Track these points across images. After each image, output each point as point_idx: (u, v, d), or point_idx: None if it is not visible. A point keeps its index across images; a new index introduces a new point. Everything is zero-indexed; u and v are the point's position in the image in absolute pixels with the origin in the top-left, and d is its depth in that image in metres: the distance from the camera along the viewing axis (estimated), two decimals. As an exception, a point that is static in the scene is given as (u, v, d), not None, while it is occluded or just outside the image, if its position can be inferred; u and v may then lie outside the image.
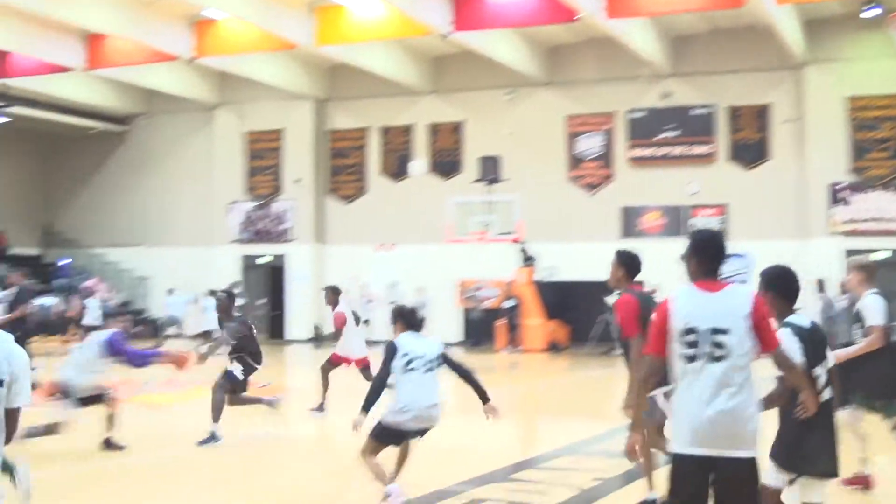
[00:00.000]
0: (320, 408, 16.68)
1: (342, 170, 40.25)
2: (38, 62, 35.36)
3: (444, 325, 34.65)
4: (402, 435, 9.40)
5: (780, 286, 6.83)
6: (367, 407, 9.05)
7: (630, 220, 35.01)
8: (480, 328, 35.98)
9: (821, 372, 6.72)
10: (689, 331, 5.78)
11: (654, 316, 6.04)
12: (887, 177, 32.78)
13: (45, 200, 45.57)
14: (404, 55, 36.79)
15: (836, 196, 33.14)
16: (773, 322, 6.12)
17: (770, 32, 31.32)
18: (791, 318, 6.75)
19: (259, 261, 40.93)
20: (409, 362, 9.14)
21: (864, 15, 31.02)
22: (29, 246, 44.58)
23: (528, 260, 33.67)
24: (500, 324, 33.87)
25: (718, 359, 5.72)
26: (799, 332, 6.66)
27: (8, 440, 5.10)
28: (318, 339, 37.69)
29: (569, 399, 21.95)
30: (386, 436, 9.33)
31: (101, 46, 34.57)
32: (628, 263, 10.09)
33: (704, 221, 34.22)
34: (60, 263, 43.43)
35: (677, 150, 35.26)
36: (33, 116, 40.64)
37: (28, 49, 33.90)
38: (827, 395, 6.74)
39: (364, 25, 32.11)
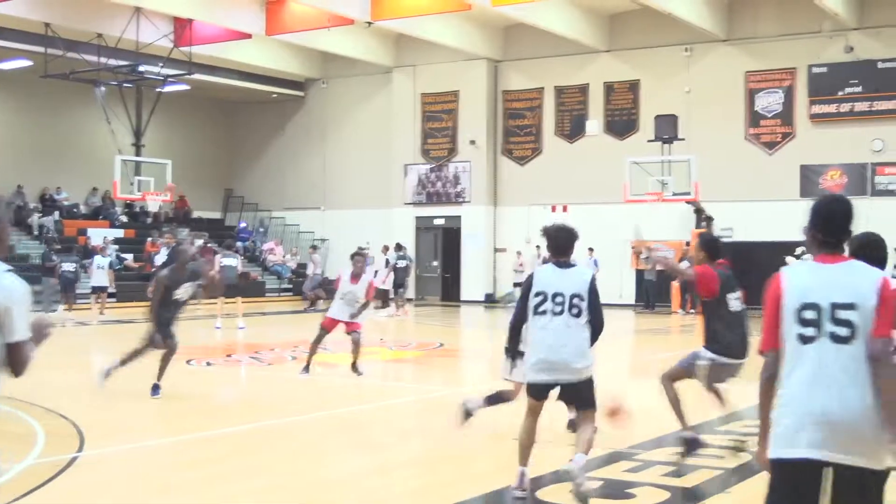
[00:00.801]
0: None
1: (516, 130, 40.17)
2: (220, 29, 36.20)
3: (618, 287, 34.37)
4: None
5: (865, 254, 6.22)
6: None
7: (810, 179, 34.07)
8: (655, 290, 35.57)
9: None
10: (807, 306, 4.90)
11: (763, 299, 5.11)
12: None
13: (226, 165, 46.73)
14: (579, 13, 36.44)
15: None
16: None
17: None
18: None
19: (434, 222, 41.18)
20: None
21: None
22: (211, 210, 45.76)
23: (705, 220, 33.12)
24: (676, 286, 33.43)
25: (843, 340, 4.81)
26: None
27: (16, 374, 4.91)
28: (491, 301, 37.84)
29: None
30: None
31: (281, 12, 35.21)
32: (708, 247, 10.21)
33: (890, 180, 33.18)
34: (240, 226, 44.46)
35: (861, 107, 34.13)
36: (214, 83, 41.58)
37: (209, 17, 34.73)
38: None
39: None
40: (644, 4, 33.24)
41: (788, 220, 33.32)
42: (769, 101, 35.58)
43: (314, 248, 38.86)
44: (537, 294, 8.40)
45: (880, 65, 33.88)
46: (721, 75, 36.05)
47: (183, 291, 14.20)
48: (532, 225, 38.00)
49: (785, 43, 35.16)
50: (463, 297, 40.03)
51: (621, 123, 37.96)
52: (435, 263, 40.87)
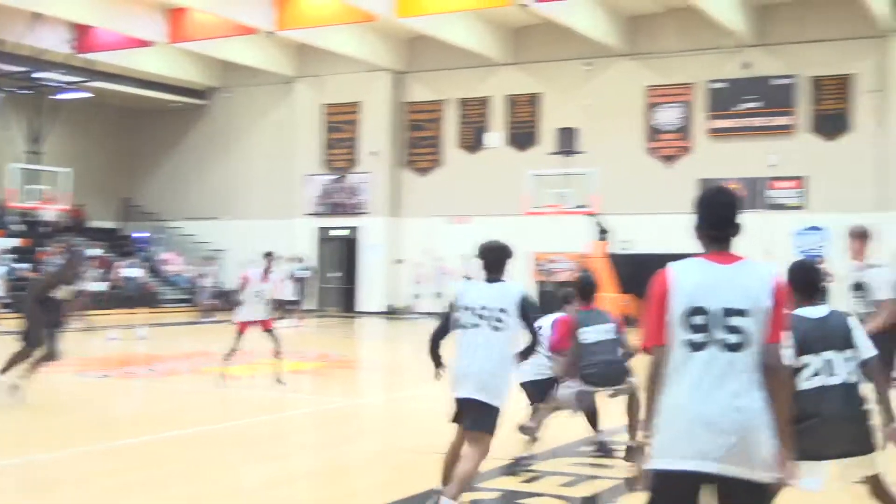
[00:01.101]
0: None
1: (419, 142, 40.22)
2: (121, 36, 35.78)
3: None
4: None
5: (798, 279, 6.73)
6: None
7: (708, 193, 34.52)
8: (554, 301, 35.71)
9: (832, 358, 6.44)
10: (696, 311, 4.68)
11: (648, 295, 4.92)
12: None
13: (127, 174, 46.08)
14: (482, 26, 36.61)
15: (920, 168, 32.52)
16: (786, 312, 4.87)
17: (854, 1, 30.73)
18: (798, 310, 6.57)
19: (335, 233, 41.04)
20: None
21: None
22: (107, 219, 45.11)
23: (603, 233, 33.40)
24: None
25: (734, 348, 4.64)
26: (797, 322, 6.37)
27: None
28: (391, 312, 37.83)
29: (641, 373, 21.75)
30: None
31: (183, 20, 34.92)
32: (582, 288, 11.10)
33: (782, 194, 33.81)
34: (137, 236, 43.95)
35: (757, 122, 34.73)
36: (115, 91, 41.00)
37: (111, 23, 34.30)
38: (850, 380, 6.47)
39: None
40: (546, 18, 33.49)
41: (686, 233, 33.85)
42: (668, 116, 36.06)
43: (210, 258, 38.53)
44: (463, 308, 8.22)
45: (776, 81, 34.51)
46: (622, 89, 36.44)
47: (63, 291, 13.99)
48: (433, 237, 38.12)
49: (684, 59, 35.66)
50: (363, 308, 39.93)
51: (523, 136, 38.17)
52: (336, 274, 40.70)
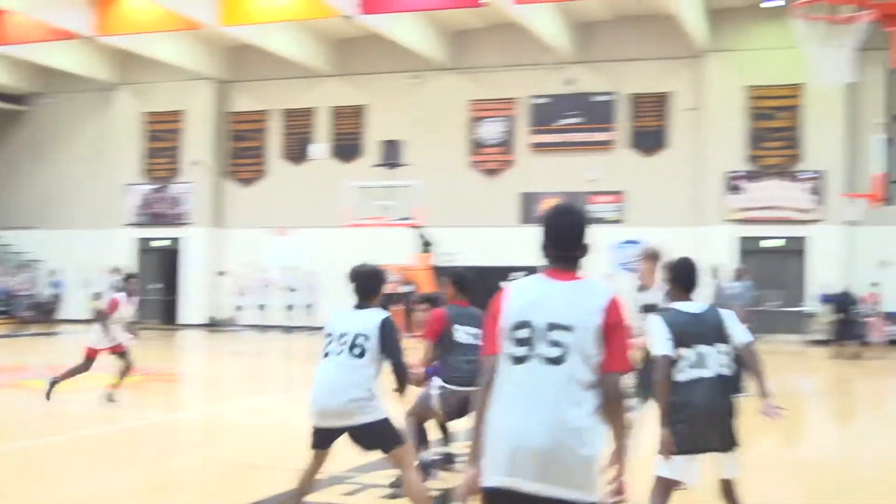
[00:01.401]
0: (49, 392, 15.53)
1: (242, 152, 39.83)
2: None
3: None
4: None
5: (677, 275, 7.19)
6: None
7: (528, 207, 34.97)
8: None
9: (705, 351, 6.77)
10: (521, 325, 4.61)
11: (488, 310, 4.85)
12: (781, 166, 33.27)
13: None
14: (308, 37, 36.49)
15: (732, 184, 33.57)
16: (628, 340, 4.73)
17: (673, 21, 31.58)
18: (675, 304, 6.97)
19: (155, 244, 40.33)
20: None
21: (764, 5, 31.38)
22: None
23: (427, 245, 33.61)
24: (397, 309, 33.72)
25: (554, 361, 4.52)
26: (675, 316, 6.79)
27: None
28: (213, 324, 37.39)
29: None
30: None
31: (1, 24, 33.89)
32: (458, 282, 10.29)
33: (602, 208, 34.52)
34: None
35: (577, 137, 35.42)
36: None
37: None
38: (722, 372, 6.80)
39: (269, 6, 31.87)
40: (372, 31, 33.55)
41: (509, 245, 34.54)
42: (491, 130, 36.48)
43: (25, 267, 37.51)
44: (326, 336, 7.84)
45: (597, 98, 35.26)
46: (446, 103, 36.73)
47: None
48: (256, 248, 37.79)
49: (508, 74, 36.14)
50: (184, 320, 39.33)
51: (347, 148, 38.15)
52: (156, 286, 39.96)
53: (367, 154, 36.93)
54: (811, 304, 32.50)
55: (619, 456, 4.65)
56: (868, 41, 13.70)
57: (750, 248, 33.14)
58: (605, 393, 4.55)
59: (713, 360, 6.77)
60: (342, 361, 7.64)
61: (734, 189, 33.53)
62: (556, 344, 4.53)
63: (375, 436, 7.70)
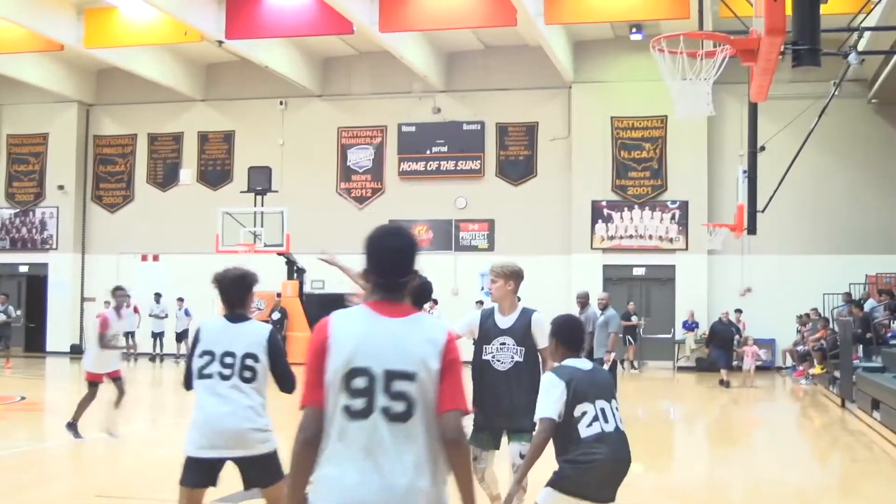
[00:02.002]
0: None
1: (108, 177, 39.25)
2: None
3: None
4: None
5: (564, 334, 6.95)
6: None
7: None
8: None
9: (604, 406, 6.62)
10: (357, 372, 4.10)
11: (308, 346, 4.29)
12: (646, 196, 33.92)
13: None
14: (175, 61, 36.15)
15: (599, 213, 34.11)
16: (462, 377, 4.29)
17: (540, 52, 31.98)
18: (568, 361, 6.80)
19: (18, 269, 39.47)
20: None
21: (632, 38, 31.97)
22: None
23: (296, 272, 33.50)
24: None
25: (398, 417, 4.08)
26: (571, 373, 6.62)
27: None
28: (80, 352, 36.67)
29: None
30: None
31: None
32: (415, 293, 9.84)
33: (471, 236, 34.79)
34: None
35: (446, 165, 35.67)
36: None
37: None
38: (621, 426, 6.69)
39: (136, 29, 31.44)
40: (240, 56, 33.41)
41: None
42: (360, 157, 36.55)
43: None
44: (203, 353, 7.01)
45: (466, 126, 35.56)
46: (315, 129, 36.71)
47: None
48: (123, 274, 37.17)
49: (377, 101, 36.26)
50: (48, 347, 38.52)
51: (215, 173, 37.88)
52: (18, 312, 39.08)
53: (236, 180, 36.68)
54: (680, 331, 33.21)
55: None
56: (728, 75, 14.01)
57: (618, 277, 33.70)
58: (444, 435, 4.13)
59: (611, 416, 6.66)
60: (233, 385, 6.88)
61: (602, 218, 34.08)
62: (399, 396, 4.08)
63: (266, 468, 6.98)
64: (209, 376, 6.93)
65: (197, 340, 7.09)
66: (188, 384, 7.11)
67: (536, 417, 6.60)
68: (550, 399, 6.55)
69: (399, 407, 4.06)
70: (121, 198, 39.07)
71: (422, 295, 9.52)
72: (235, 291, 7.30)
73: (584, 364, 6.80)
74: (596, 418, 6.55)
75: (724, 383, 26.73)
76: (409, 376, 4.08)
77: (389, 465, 4.03)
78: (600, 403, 6.62)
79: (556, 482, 6.58)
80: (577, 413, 6.52)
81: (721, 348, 27.82)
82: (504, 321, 8.64)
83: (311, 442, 4.11)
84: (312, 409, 4.15)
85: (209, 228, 33.89)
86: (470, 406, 4.30)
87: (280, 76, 34.80)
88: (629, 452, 6.73)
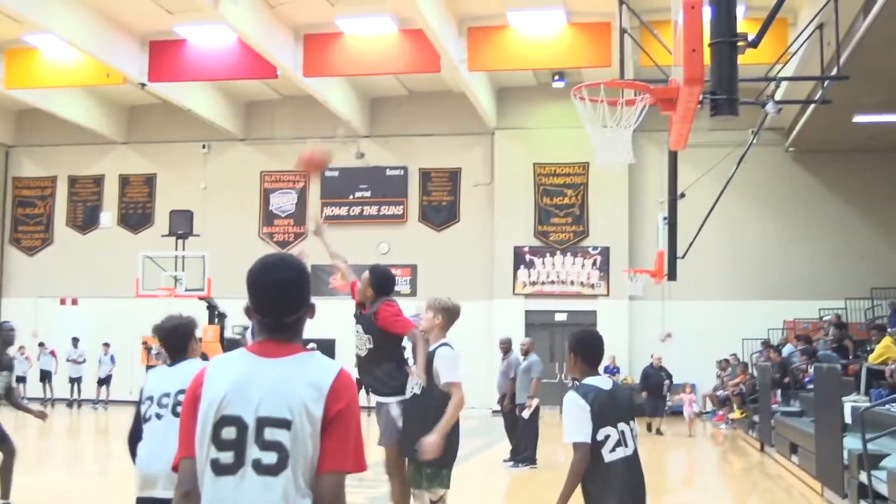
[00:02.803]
0: None
1: (27, 219, 38.77)
2: None
3: (128, 383, 33.74)
4: None
5: (585, 348, 6.71)
6: None
7: (321, 279, 34.91)
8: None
9: (624, 429, 6.45)
10: (227, 421, 3.58)
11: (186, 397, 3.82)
12: (568, 242, 34.15)
13: None
14: (96, 103, 35.89)
15: (521, 259, 34.27)
16: (357, 430, 3.70)
17: (464, 98, 32.17)
18: (589, 380, 6.59)
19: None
20: None
21: (555, 85, 32.23)
22: None
23: (218, 316, 33.22)
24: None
25: (270, 471, 3.53)
26: (595, 394, 6.41)
27: None
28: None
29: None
30: None
31: None
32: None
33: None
34: None
35: (369, 210, 35.69)
36: None
37: None
38: (636, 448, 6.54)
39: (57, 70, 31.18)
40: (163, 99, 33.25)
41: (308, 320, 34.14)
42: (283, 201, 36.45)
43: None
44: (146, 399, 7.00)
45: (389, 172, 35.63)
46: (238, 173, 36.59)
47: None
48: (40, 318, 36.68)
49: (300, 145, 35.83)
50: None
51: (136, 217, 37.56)
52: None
53: (157, 223, 36.41)
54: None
55: None
56: (649, 123, 14.16)
57: (540, 322, 33.80)
58: (319, 500, 3.56)
59: (629, 439, 6.49)
60: (166, 424, 6.68)
61: (524, 263, 34.24)
62: (271, 446, 3.53)
63: None
64: (148, 419, 6.95)
65: (142, 389, 7.11)
66: (135, 438, 7.07)
67: (569, 441, 6.37)
68: (581, 421, 6.36)
69: (270, 458, 3.52)
70: (40, 241, 38.60)
71: (384, 287, 9.48)
72: (172, 341, 7.33)
73: (604, 383, 6.58)
74: (619, 443, 6.40)
75: (657, 431, 26.74)
76: (283, 423, 3.53)
77: None
78: (621, 426, 6.45)
79: None
80: (599, 437, 6.34)
81: (652, 395, 27.34)
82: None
83: (189, 495, 3.64)
84: (189, 460, 3.66)
85: (129, 272, 33.51)
86: (369, 462, 3.74)
87: (203, 119, 34.68)
88: (642, 475, 6.58)
